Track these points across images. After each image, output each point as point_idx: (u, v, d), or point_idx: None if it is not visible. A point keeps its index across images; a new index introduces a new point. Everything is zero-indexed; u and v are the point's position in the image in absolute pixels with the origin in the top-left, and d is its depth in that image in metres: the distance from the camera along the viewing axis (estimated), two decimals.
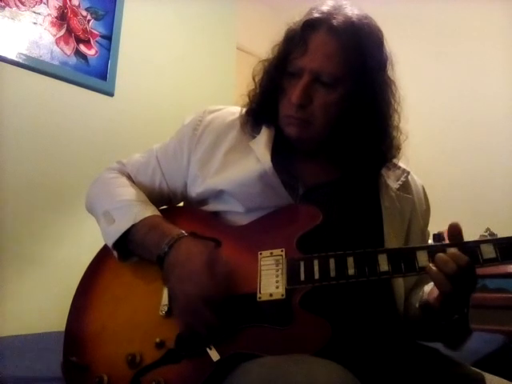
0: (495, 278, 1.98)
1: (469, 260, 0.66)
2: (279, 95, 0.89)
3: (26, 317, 1.62)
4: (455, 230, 0.70)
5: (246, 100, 0.95)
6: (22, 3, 1.79)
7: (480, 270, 0.68)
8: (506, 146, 2.51)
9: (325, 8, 0.86)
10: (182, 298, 0.73)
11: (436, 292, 0.72)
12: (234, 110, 0.97)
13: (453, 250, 0.68)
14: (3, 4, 1.73)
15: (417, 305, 0.84)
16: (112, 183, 0.93)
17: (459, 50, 2.75)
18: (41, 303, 1.67)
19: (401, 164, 0.97)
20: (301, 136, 0.87)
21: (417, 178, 1.02)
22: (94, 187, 0.96)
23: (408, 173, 0.96)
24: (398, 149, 0.91)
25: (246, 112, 0.94)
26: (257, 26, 3.00)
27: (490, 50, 2.64)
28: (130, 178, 0.96)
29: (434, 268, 0.67)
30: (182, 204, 1.01)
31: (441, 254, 0.67)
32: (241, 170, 0.86)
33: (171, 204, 0.99)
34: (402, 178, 0.95)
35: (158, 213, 0.88)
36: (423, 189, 1.01)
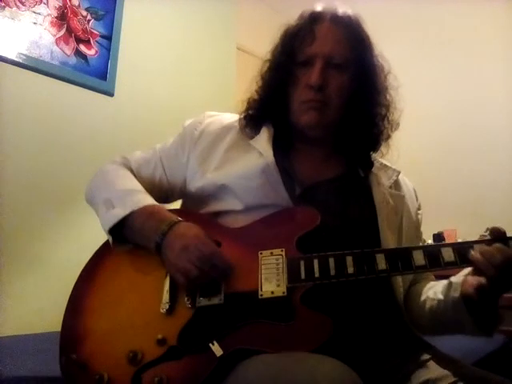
0: None
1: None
2: (290, 88, 0.93)
3: (26, 317, 1.62)
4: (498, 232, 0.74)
5: (245, 105, 0.98)
6: (22, 3, 1.79)
7: None
8: (506, 147, 2.51)
9: (322, 5, 0.94)
10: (194, 254, 0.75)
11: (472, 281, 0.75)
12: (232, 115, 1.02)
13: (497, 245, 0.71)
14: (3, 4, 1.73)
15: (441, 296, 0.85)
16: (114, 174, 0.95)
17: (458, 51, 2.75)
18: (41, 303, 1.67)
19: (390, 165, 1.02)
20: (318, 121, 0.90)
21: (407, 180, 1.06)
22: (97, 177, 0.98)
23: (399, 172, 1.01)
24: (389, 136, 0.97)
25: (245, 117, 0.97)
26: (257, 26, 3.00)
27: (489, 51, 2.64)
28: (132, 171, 0.99)
29: (480, 257, 0.70)
30: (179, 204, 1.02)
31: (486, 247, 0.71)
32: (242, 165, 0.89)
33: (168, 201, 1.01)
34: (394, 177, 0.99)
35: (157, 203, 0.89)
36: (414, 190, 1.06)
